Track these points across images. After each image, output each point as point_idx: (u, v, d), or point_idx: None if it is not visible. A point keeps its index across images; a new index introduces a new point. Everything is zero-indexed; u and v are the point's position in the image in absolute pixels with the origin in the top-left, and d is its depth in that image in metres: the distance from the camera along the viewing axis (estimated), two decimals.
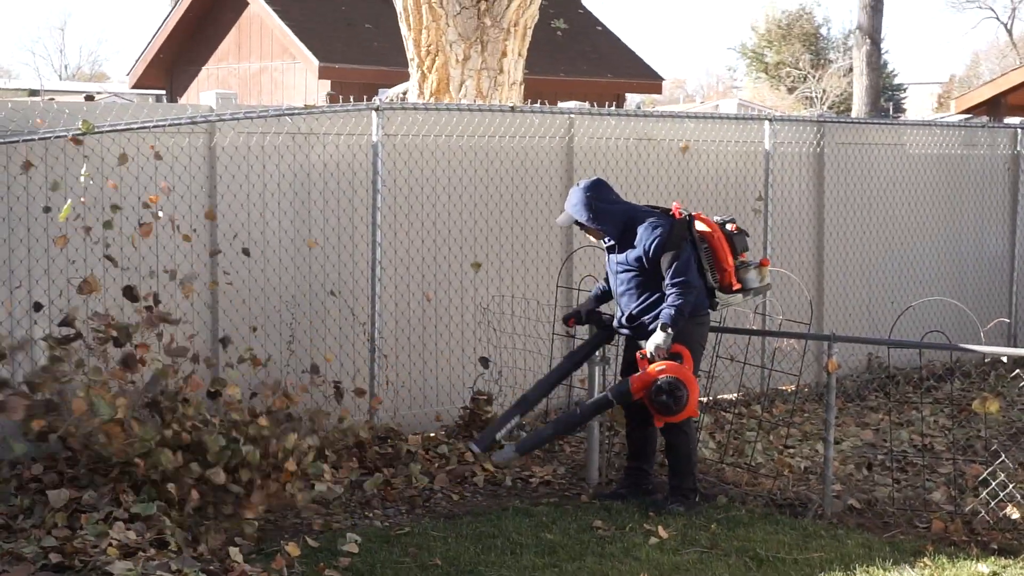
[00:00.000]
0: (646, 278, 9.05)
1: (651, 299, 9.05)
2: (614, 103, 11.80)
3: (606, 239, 9.21)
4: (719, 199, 12.84)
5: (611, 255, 9.25)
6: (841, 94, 53.42)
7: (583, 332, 10.14)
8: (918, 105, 63.59)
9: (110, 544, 7.57)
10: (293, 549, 7.99)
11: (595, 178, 9.39)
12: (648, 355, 8.92)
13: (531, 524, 8.82)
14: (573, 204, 9.20)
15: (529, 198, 11.52)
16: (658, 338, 8.90)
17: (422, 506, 9.35)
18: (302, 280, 10.41)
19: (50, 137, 9.13)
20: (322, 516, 8.95)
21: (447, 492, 9.68)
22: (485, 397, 10.79)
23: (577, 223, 9.27)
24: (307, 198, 10.44)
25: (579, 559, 8.11)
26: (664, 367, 8.86)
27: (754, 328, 11.38)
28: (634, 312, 9.15)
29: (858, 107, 26.66)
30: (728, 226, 9.26)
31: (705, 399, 10.99)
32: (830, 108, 52.62)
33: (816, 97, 55.22)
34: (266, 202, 10.24)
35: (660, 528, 8.64)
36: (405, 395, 10.90)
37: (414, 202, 10.98)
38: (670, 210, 9.16)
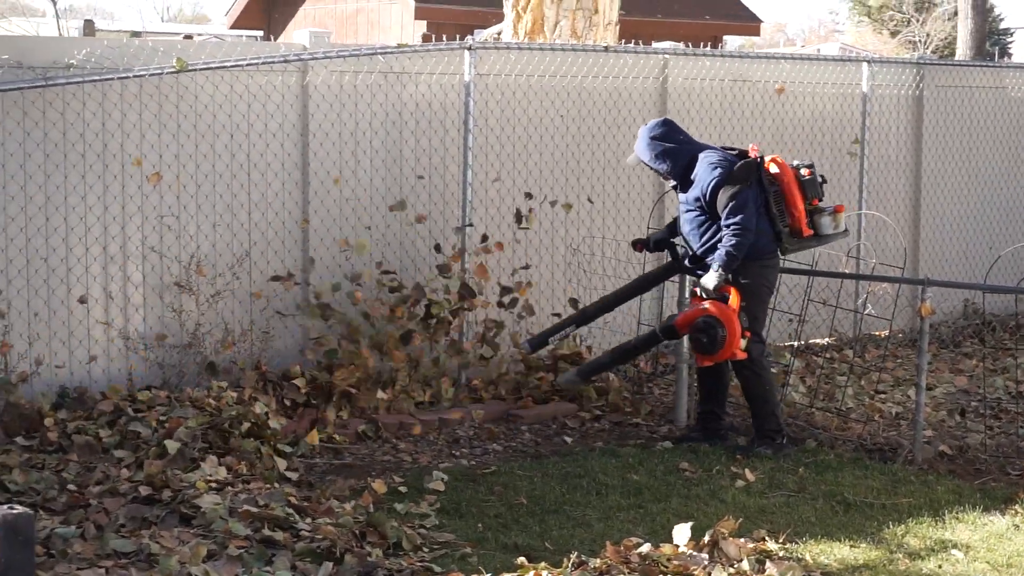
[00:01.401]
0: (708, 218, 8.98)
1: (714, 239, 8.98)
2: (710, 46, 11.65)
3: (671, 179, 9.18)
4: (814, 142, 12.70)
5: (678, 195, 9.21)
6: (945, 38, 52.52)
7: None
8: None
9: (201, 479, 7.70)
10: (380, 486, 8.04)
11: (662, 118, 9.36)
12: (700, 292, 8.92)
13: (617, 465, 8.82)
14: (639, 144, 9.20)
15: (622, 139, 11.43)
16: (709, 278, 8.86)
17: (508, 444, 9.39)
18: (393, 219, 10.43)
19: (145, 75, 9.19)
20: (411, 453, 9.02)
21: (532, 430, 9.71)
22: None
23: (644, 163, 9.24)
24: (399, 137, 10.45)
25: (664, 500, 8.10)
26: (708, 306, 8.83)
27: (847, 272, 11.25)
28: (698, 252, 9.10)
29: (962, 51, 26.14)
30: (803, 171, 9.12)
31: (796, 343, 10.91)
32: (933, 52, 51.78)
33: (919, 41, 54.35)
34: (358, 141, 10.26)
35: (747, 471, 8.60)
36: (496, 334, 10.88)
37: (505, 142, 10.95)
38: (746, 152, 9.06)
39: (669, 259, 9.61)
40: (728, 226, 8.81)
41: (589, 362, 9.71)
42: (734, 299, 8.84)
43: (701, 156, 9.02)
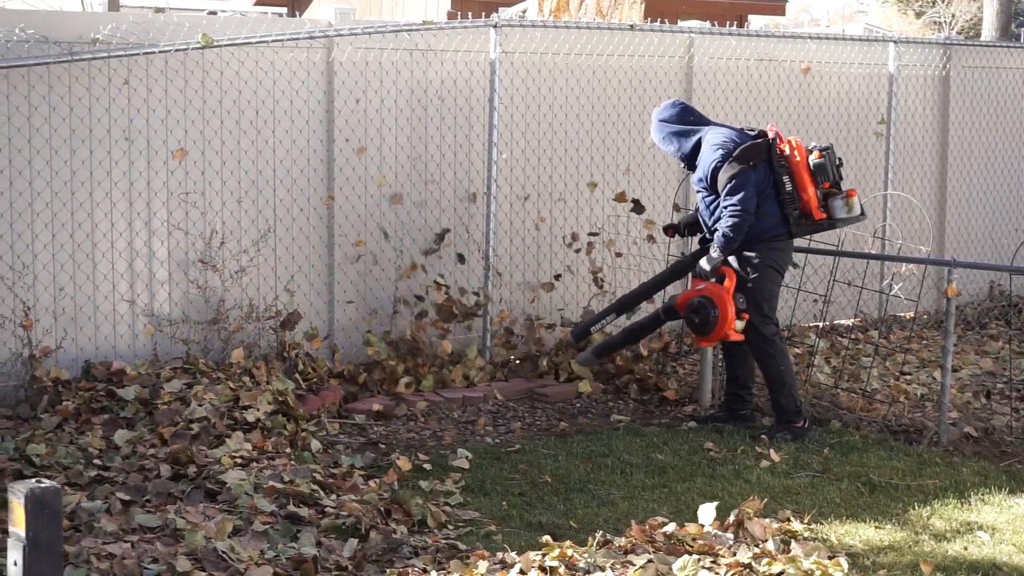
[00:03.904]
0: (716, 197, 8.95)
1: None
2: (736, 25, 11.60)
3: (680, 161, 9.21)
4: (840, 122, 12.64)
5: (691, 175, 9.22)
6: (971, 19, 52.28)
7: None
8: None
9: (226, 455, 7.71)
10: (404, 463, 8.05)
11: (672, 100, 9.34)
12: (699, 272, 8.93)
13: (642, 444, 8.81)
14: (652, 127, 9.25)
15: (647, 118, 11.35)
16: (705, 259, 8.87)
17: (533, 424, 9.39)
18: (418, 196, 10.42)
19: (170, 50, 9.18)
20: (434, 431, 9.03)
21: (555, 408, 9.70)
22: None
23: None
24: (424, 114, 10.43)
25: (689, 480, 8.08)
26: (703, 287, 8.82)
27: (873, 252, 11.20)
28: (710, 231, 9.07)
29: (988, 32, 26.00)
30: (813, 154, 9.02)
31: (821, 324, 10.88)
32: (959, 33, 51.56)
33: (944, 22, 54.14)
34: (383, 118, 10.24)
35: (772, 452, 8.58)
36: (519, 313, 10.89)
37: (531, 120, 10.92)
38: (764, 132, 9.00)
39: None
40: (726, 207, 8.78)
41: (603, 341, 9.74)
42: (729, 281, 8.82)
43: (706, 137, 8.99)
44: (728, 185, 8.77)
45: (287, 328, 9.56)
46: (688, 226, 9.52)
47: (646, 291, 9.60)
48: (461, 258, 10.48)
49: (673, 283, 9.74)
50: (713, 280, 8.87)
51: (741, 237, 8.79)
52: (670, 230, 9.65)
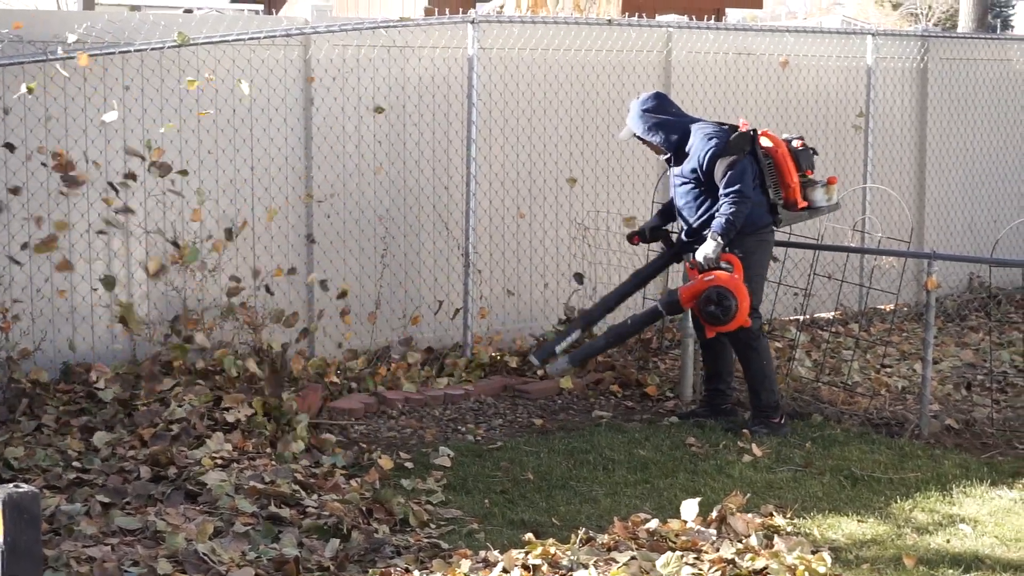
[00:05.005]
0: (703, 190, 8.93)
1: (710, 211, 8.93)
2: (713, 19, 11.56)
3: (664, 152, 9.14)
4: (819, 115, 12.64)
5: (671, 168, 9.16)
6: (947, 10, 52.39)
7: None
8: None
9: (206, 456, 7.67)
10: (386, 462, 8.03)
11: (654, 92, 9.31)
12: (696, 264, 8.84)
13: (623, 440, 8.79)
14: (631, 117, 9.17)
15: (626, 113, 11.34)
16: (707, 247, 8.78)
17: (514, 422, 9.37)
18: (396, 194, 10.39)
19: (146, 49, 9.13)
20: (415, 429, 9.00)
21: (537, 405, 9.68)
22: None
23: (636, 136, 9.19)
24: (402, 111, 10.39)
25: (671, 475, 8.07)
26: (713, 276, 8.77)
27: (852, 245, 11.20)
28: (694, 225, 9.03)
29: (964, 23, 26.04)
30: (794, 142, 9.09)
31: (801, 317, 10.88)
32: (935, 25, 51.66)
33: (921, 13, 54.24)
34: (361, 115, 10.21)
35: (754, 446, 8.57)
36: (499, 310, 10.88)
37: (509, 116, 10.90)
38: (736, 126, 9.00)
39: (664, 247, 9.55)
40: (727, 195, 8.77)
41: (582, 347, 9.47)
42: (736, 268, 8.79)
43: (695, 128, 8.98)
44: (728, 173, 8.77)
45: (266, 327, 9.51)
46: (652, 230, 9.48)
47: (611, 302, 9.44)
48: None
49: (636, 292, 9.65)
50: (720, 268, 8.80)
51: (740, 224, 8.79)
52: (635, 237, 9.59)
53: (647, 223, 9.62)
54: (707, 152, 8.84)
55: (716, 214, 8.82)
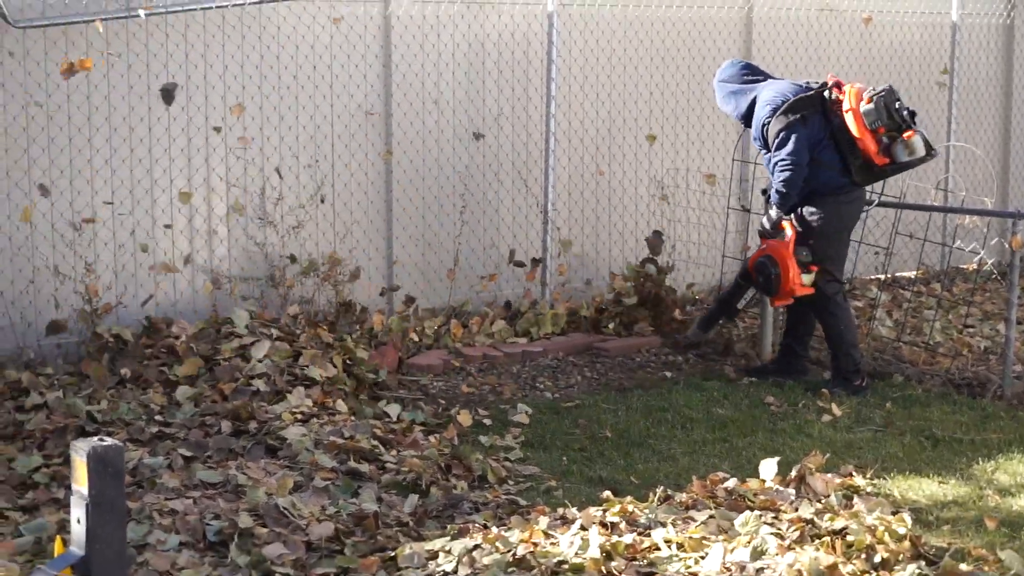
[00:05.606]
0: (769, 153, 8.87)
1: None
2: None
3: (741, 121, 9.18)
4: (902, 73, 12.49)
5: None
6: None
7: (757, 207, 9.97)
8: None
9: (286, 411, 7.72)
10: (465, 418, 8.06)
11: (730, 60, 9.33)
12: (761, 231, 8.91)
13: (702, 399, 8.77)
14: (715, 88, 9.26)
15: (707, 70, 11.27)
16: (765, 217, 8.85)
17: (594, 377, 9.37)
18: (475, 151, 10.38)
19: (227, 6, 9.15)
20: (493, 385, 9.01)
21: (615, 362, 9.66)
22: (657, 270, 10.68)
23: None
24: (481, 68, 10.37)
25: (750, 435, 8.04)
26: (766, 246, 8.77)
27: (935, 204, 11.07)
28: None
29: None
30: (864, 98, 8.68)
31: (883, 276, 10.78)
32: None
33: None
34: (440, 72, 10.19)
35: (834, 406, 8.52)
36: (578, 267, 10.86)
37: (589, 73, 10.85)
38: (824, 83, 8.83)
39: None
40: (776, 162, 8.69)
41: (704, 315, 9.80)
42: (789, 233, 8.71)
43: (760, 94, 8.89)
44: (777, 139, 8.69)
45: (346, 284, 9.55)
46: None
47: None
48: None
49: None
50: (777, 237, 8.77)
51: (796, 191, 8.69)
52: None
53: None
54: (760, 120, 8.80)
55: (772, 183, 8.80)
